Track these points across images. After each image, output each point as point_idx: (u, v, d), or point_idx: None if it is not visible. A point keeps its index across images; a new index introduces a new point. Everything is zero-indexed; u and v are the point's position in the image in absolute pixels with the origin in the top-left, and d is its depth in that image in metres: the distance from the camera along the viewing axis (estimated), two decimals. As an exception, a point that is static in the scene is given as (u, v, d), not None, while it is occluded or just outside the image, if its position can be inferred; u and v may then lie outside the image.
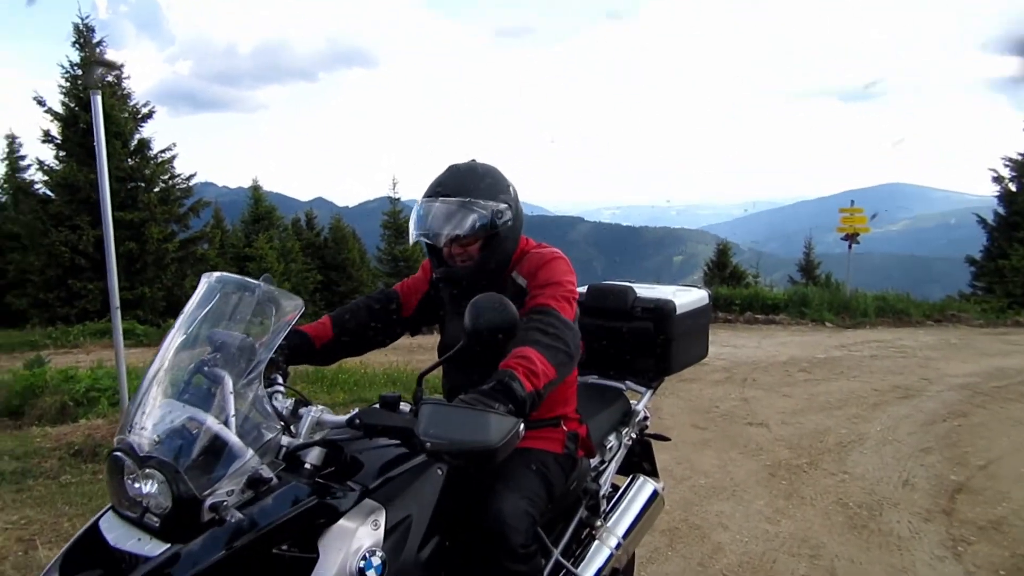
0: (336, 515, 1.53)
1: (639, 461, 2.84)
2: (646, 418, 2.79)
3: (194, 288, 1.74)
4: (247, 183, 28.64)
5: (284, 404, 1.70)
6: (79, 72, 18.43)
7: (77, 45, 18.87)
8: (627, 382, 2.80)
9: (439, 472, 1.77)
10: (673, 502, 4.07)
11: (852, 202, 13.56)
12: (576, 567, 2.26)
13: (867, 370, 8.18)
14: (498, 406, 1.51)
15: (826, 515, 4.16)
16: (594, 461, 2.43)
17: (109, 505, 1.49)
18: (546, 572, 2.08)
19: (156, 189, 19.41)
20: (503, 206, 1.98)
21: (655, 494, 2.64)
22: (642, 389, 2.80)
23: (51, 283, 17.79)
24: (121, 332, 4.96)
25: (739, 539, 3.85)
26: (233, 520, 1.37)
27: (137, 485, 1.38)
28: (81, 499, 4.26)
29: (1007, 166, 18.60)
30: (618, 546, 2.39)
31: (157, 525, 1.37)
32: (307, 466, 1.57)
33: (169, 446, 1.43)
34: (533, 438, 1.97)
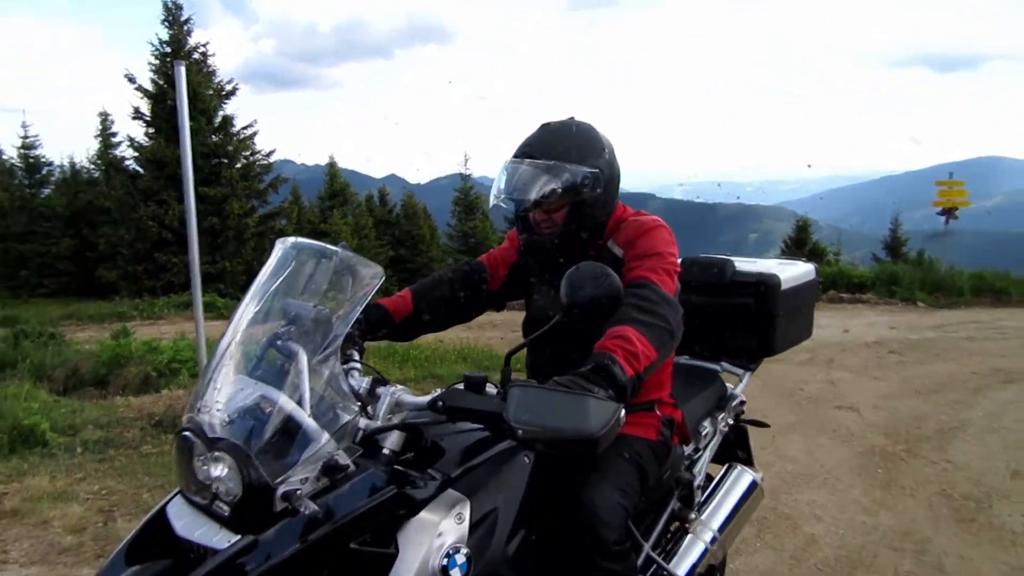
0: (416, 507, 1.41)
1: (734, 449, 2.65)
2: (743, 403, 2.60)
3: (272, 260, 1.61)
4: (323, 160, 29.24)
5: (360, 383, 1.57)
6: (168, 50, 19.08)
7: (166, 23, 19.54)
8: (722, 363, 2.61)
9: (526, 460, 1.62)
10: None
11: (951, 174, 12.82)
12: (668, 562, 2.10)
13: (965, 352, 7.69)
14: (597, 391, 1.34)
15: (929, 507, 3.89)
16: (687, 449, 2.26)
17: (177, 490, 1.40)
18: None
19: (238, 165, 20.06)
20: (594, 170, 1.81)
21: (753, 485, 2.45)
22: (739, 371, 2.60)
23: (139, 256, 18.66)
24: (201, 305, 5.02)
25: (834, 531, 3.61)
26: (308, 511, 1.25)
27: (206, 468, 1.28)
28: (161, 470, 4.33)
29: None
30: (713, 540, 2.22)
31: (227, 514, 1.27)
32: (385, 452, 1.44)
33: (241, 427, 1.33)
34: (626, 424, 1.81)
